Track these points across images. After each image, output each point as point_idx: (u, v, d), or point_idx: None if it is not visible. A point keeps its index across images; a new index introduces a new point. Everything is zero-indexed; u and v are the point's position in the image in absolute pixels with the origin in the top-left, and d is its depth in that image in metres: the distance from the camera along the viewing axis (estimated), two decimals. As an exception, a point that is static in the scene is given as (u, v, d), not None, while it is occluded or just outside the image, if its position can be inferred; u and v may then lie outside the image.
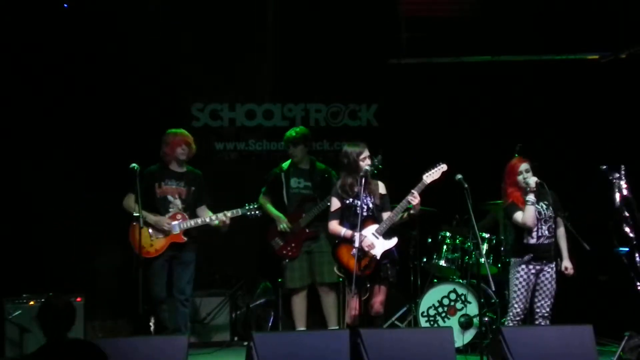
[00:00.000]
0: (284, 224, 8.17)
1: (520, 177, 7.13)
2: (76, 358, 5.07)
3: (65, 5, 9.11)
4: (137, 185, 7.36)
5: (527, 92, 9.64)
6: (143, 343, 6.31)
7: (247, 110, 9.86)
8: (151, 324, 7.94)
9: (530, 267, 7.11)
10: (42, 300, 8.14)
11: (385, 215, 6.95)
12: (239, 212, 7.71)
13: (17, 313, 8.20)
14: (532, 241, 7.11)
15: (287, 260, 8.20)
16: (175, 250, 7.69)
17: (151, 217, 7.60)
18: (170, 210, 7.69)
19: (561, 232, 7.21)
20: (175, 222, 7.64)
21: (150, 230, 7.61)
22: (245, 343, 7.12)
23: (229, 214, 7.69)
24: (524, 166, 7.15)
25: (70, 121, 9.13)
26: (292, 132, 8.32)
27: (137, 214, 7.36)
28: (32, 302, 8.25)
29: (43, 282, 8.46)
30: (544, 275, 7.13)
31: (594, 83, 9.55)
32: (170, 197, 7.73)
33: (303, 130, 8.37)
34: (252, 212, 7.75)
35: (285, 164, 8.34)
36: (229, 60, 9.52)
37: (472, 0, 9.45)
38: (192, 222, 7.68)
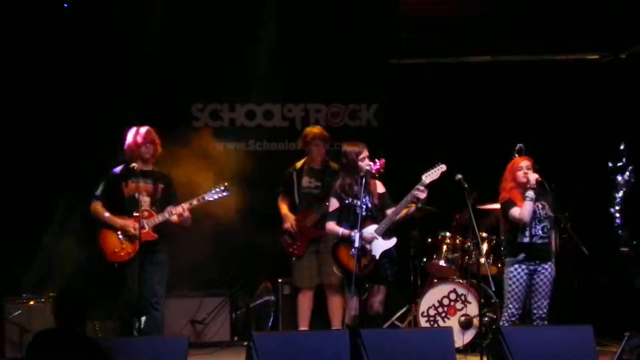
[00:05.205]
0: (289, 223, 8.17)
1: (520, 172, 7.12)
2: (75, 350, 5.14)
3: (65, 5, 9.11)
4: (136, 185, 7.33)
5: (527, 92, 9.64)
6: (143, 343, 6.33)
7: (247, 110, 9.87)
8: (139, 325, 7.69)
9: (524, 266, 7.09)
10: (42, 299, 8.25)
11: (388, 212, 6.94)
12: (204, 198, 7.37)
13: (17, 313, 8.21)
14: (526, 240, 7.08)
15: (294, 258, 8.19)
16: (148, 250, 7.29)
17: (117, 222, 7.32)
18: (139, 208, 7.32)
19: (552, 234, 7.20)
20: (143, 221, 7.25)
21: (119, 234, 7.32)
22: (245, 343, 7.12)
23: (194, 201, 7.33)
24: (525, 163, 7.16)
25: (70, 121, 9.13)
26: (311, 130, 8.29)
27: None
28: (32, 302, 8.26)
29: (43, 282, 8.46)
30: (538, 275, 7.11)
31: (594, 83, 9.55)
32: (137, 195, 7.33)
33: (322, 129, 8.33)
34: (219, 195, 7.38)
35: (299, 163, 8.33)
36: (229, 60, 9.52)
37: (472, 0, 9.45)
38: (159, 218, 7.32)
